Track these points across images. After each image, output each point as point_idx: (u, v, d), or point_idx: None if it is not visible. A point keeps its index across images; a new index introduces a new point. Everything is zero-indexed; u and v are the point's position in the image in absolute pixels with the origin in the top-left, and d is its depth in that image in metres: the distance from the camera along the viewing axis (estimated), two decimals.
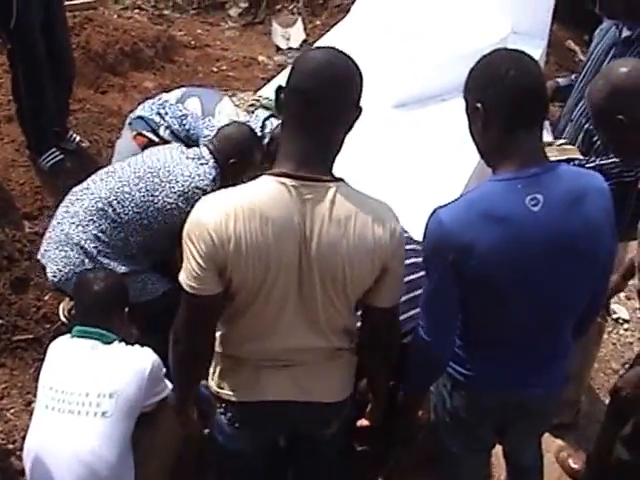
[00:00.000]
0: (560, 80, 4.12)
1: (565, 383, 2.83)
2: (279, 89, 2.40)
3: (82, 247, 3.83)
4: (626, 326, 5.23)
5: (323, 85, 2.35)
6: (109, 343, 3.34)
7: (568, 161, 3.48)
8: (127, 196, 3.83)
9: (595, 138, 3.70)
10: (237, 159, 3.97)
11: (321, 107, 2.36)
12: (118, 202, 3.83)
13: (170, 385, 3.25)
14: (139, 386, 3.24)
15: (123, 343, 3.37)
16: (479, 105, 2.45)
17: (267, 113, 4.34)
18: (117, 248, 3.87)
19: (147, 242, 3.90)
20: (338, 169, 2.44)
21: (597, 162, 3.45)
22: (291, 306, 2.47)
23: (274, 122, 4.30)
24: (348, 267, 2.41)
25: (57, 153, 5.40)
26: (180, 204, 3.79)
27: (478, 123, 2.48)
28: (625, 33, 3.52)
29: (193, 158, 3.94)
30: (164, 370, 3.30)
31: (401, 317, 2.76)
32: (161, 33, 7.38)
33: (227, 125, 4.12)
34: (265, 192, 2.36)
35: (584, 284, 2.55)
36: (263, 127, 4.30)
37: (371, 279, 2.49)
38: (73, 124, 5.82)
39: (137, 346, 3.36)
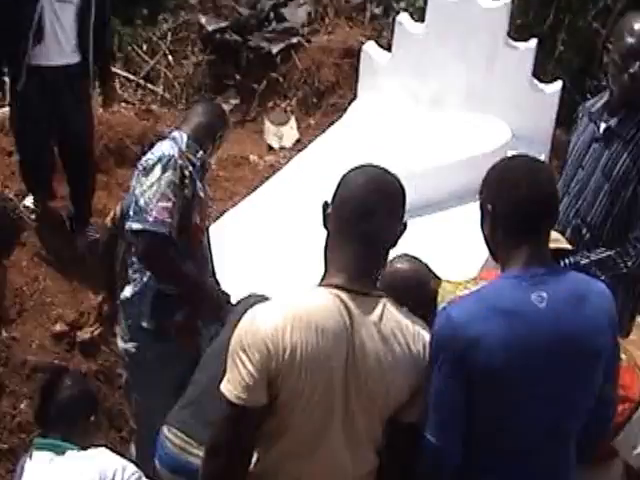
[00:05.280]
0: None
1: None
2: (325, 204, 2.58)
3: None
4: None
5: (376, 196, 2.49)
6: (62, 453, 3.25)
7: (559, 251, 3.48)
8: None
9: (583, 232, 3.92)
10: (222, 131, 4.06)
11: (373, 218, 2.48)
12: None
13: None
14: None
15: (82, 451, 3.28)
16: (490, 207, 2.59)
17: None
18: None
19: None
20: None
21: (592, 257, 3.75)
22: (336, 422, 2.48)
23: None
24: (391, 382, 2.47)
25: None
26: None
27: (488, 221, 2.63)
28: (602, 127, 3.79)
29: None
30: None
31: None
32: (147, 129, 7.21)
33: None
34: (321, 304, 2.44)
35: (586, 387, 2.58)
36: None
37: (408, 394, 2.52)
38: None
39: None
